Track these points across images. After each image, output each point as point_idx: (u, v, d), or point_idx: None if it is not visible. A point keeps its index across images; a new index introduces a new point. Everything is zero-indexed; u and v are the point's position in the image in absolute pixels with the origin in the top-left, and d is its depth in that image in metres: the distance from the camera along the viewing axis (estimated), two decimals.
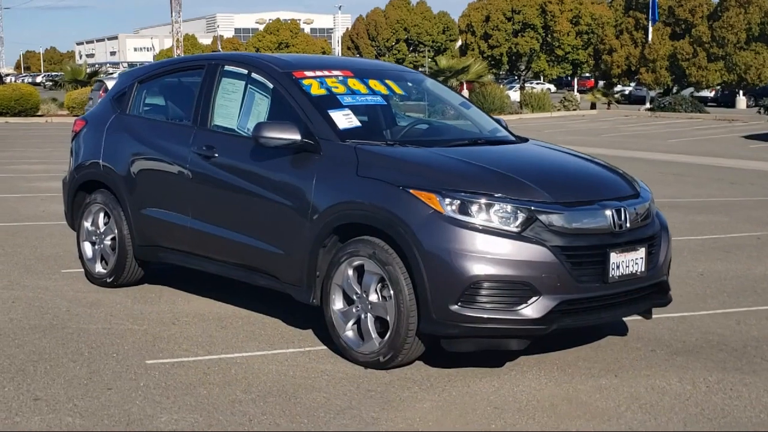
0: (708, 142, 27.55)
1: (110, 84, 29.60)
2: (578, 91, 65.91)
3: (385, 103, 6.99)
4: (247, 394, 5.33)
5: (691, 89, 53.29)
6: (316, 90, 6.58)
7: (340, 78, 6.81)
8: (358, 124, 6.41)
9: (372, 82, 6.90)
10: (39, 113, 35.44)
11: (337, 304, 5.98)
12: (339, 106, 6.50)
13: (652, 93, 54.27)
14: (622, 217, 5.67)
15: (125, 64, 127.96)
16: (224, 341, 6.36)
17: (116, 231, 7.69)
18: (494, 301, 5.35)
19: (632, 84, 62.25)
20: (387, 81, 7.02)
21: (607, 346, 6.32)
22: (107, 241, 7.84)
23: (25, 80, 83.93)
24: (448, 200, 5.44)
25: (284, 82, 6.63)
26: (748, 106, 56.59)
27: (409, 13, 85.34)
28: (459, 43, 76.38)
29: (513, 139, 6.96)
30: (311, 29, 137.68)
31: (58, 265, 8.77)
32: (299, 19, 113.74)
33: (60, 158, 19.73)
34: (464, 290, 5.33)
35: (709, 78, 50.07)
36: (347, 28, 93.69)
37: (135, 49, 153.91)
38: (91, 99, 30.43)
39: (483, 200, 5.43)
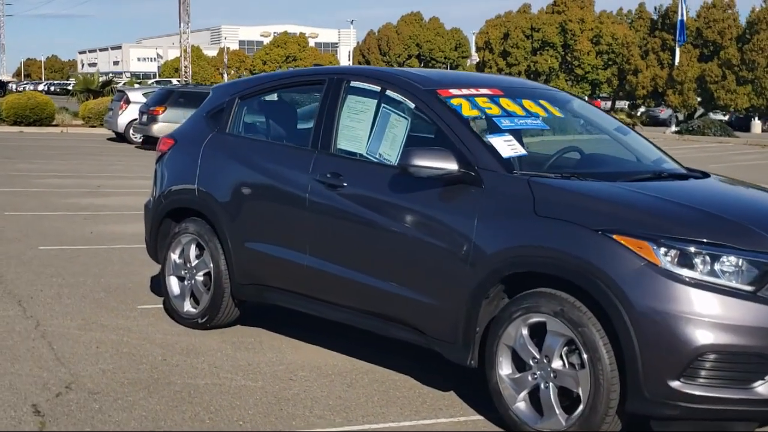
0: (753, 168, 26.60)
1: (132, 95, 28.80)
2: None
3: (547, 128, 6.03)
4: None
5: (708, 113, 52.54)
6: (467, 111, 5.65)
7: (491, 97, 5.88)
8: (523, 152, 5.48)
9: (526, 103, 5.97)
10: (54, 123, 34.46)
11: (505, 368, 5.03)
12: (498, 130, 5.58)
13: (665, 115, 53.50)
14: None
15: (128, 74, 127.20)
16: (359, 406, 5.42)
17: (211, 266, 6.74)
18: (724, 376, 4.41)
19: (644, 107, 61.43)
20: (541, 101, 6.09)
21: None
22: (199, 277, 6.89)
23: (27, 87, 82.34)
24: (663, 249, 4.50)
25: (429, 101, 5.70)
26: (763, 131, 55.92)
27: (421, 28, 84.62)
28: (472, 59, 75.63)
29: (690, 172, 6.00)
30: (315, 43, 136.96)
31: (131, 299, 7.81)
32: (296, 33, 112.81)
33: (88, 172, 18.88)
34: (689, 363, 4.38)
35: (738, 102, 49.28)
36: (358, 43, 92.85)
37: (138, 59, 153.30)
38: (111, 110, 29.63)
39: (707, 250, 4.48)
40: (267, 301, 6.52)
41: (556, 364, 4.80)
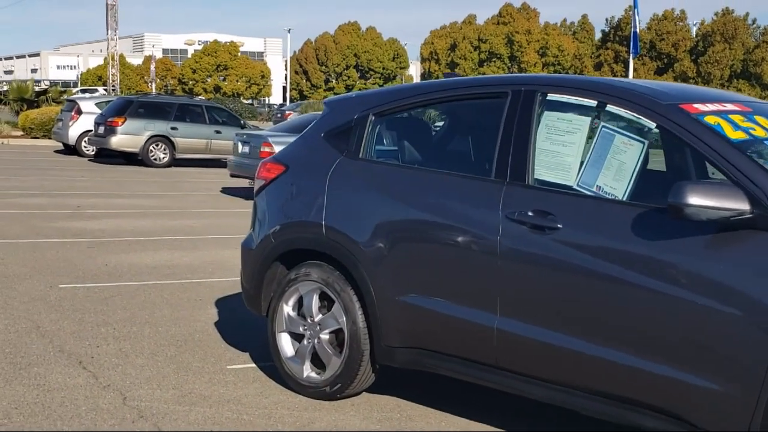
0: None
1: (84, 105, 26.97)
2: None
3: None
4: None
5: None
6: (732, 133, 4.42)
7: (745, 114, 4.67)
8: None
9: None
10: None
11: None
12: None
13: None
14: None
15: (47, 82, 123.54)
16: None
17: (344, 321, 5.41)
18: None
19: None
20: None
21: None
22: (325, 335, 5.54)
23: None
24: None
25: (679, 119, 4.46)
26: None
27: (359, 39, 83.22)
28: (411, 70, 74.49)
29: None
30: (241, 52, 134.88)
31: (212, 356, 6.42)
32: (227, 42, 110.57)
33: (56, 189, 17.35)
34: None
35: None
36: (295, 52, 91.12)
37: (58, 67, 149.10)
38: (61, 120, 27.70)
39: None
40: (428, 369, 5.21)
41: None
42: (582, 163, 4.69)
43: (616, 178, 4.55)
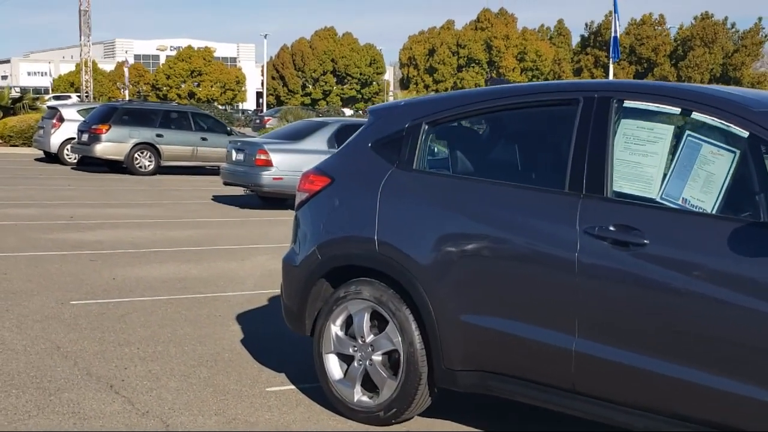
0: None
1: (66, 112, 26.48)
2: None
3: None
4: None
5: None
6: None
7: None
8: None
9: None
10: None
11: None
12: None
13: None
14: None
15: (18, 89, 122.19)
16: None
17: (399, 342, 5.11)
18: None
19: None
20: None
21: None
22: (377, 357, 5.23)
23: None
24: None
25: None
26: None
27: (336, 44, 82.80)
28: (387, 75, 74.20)
29: None
30: (214, 58, 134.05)
31: (247, 377, 6.10)
32: (201, 47, 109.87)
33: (45, 199, 16.92)
34: None
35: None
36: (271, 57, 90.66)
37: (29, 73, 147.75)
38: (42, 128, 27.18)
39: None
40: (493, 393, 4.91)
41: None
42: (665, 174, 4.41)
43: (703, 190, 4.29)
